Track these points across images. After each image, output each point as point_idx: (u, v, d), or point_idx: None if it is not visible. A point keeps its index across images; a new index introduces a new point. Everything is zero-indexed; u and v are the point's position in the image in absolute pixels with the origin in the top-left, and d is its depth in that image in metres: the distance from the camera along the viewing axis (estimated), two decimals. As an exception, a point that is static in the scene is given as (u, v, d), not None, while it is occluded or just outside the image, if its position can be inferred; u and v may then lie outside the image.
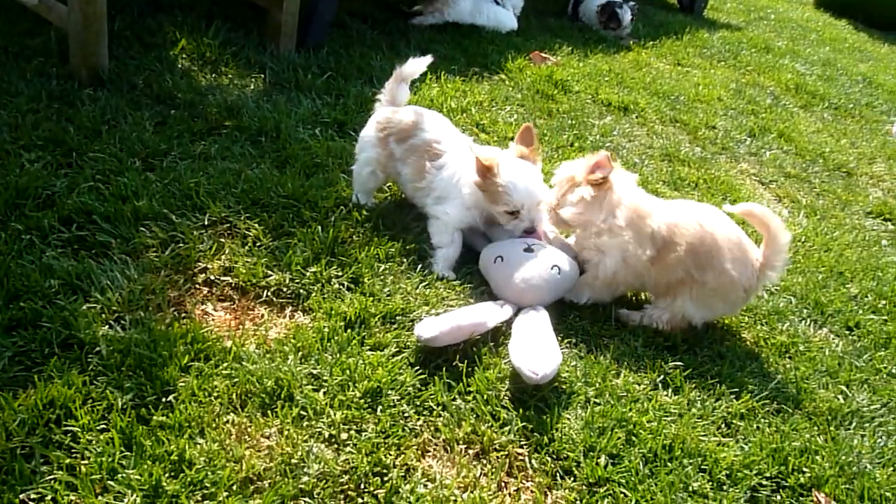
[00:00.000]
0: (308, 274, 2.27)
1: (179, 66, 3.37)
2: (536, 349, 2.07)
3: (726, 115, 4.46)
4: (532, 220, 2.37)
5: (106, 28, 3.07)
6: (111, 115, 2.87)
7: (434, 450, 1.85)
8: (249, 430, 1.76)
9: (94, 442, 1.64)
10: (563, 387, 2.09)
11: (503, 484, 1.81)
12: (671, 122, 4.15)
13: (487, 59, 4.29)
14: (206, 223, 2.39)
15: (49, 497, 1.52)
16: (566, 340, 2.28)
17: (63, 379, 1.75)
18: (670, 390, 2.18)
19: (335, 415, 1.83)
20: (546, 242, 2.48)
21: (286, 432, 1.77)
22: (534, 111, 3.79)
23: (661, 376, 2.21)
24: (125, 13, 3.72)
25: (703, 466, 1.94)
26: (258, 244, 2.36)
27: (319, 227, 2.44)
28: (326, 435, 1.79)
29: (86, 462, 1.59)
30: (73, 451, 1.62)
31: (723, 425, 2.11)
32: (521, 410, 1.98)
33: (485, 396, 1.99)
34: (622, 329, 2.39)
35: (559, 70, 4.35)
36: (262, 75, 3.46)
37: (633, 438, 1.98)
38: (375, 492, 1.69)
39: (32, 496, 1.52)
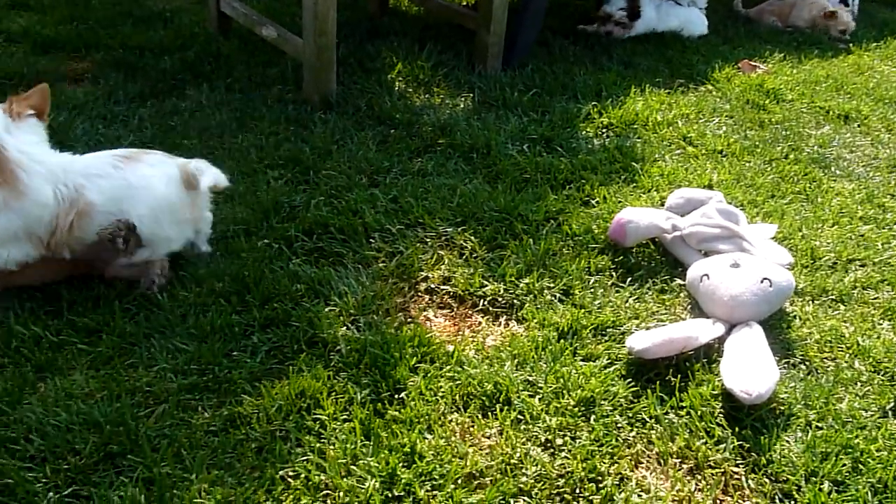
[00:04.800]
0: (521, 285, 2.37)
1: (396, 88, 3.64)
2: (749, 368, 2.03)
3: (966, 121, 4.05)
4: None
5: (335, 57, 3.38)
6: (339, 136, 3.16)
7: (647, 462, 1.87)
8: (472, 429, 1.89)
9: (338, 430, 1.84)
10: (782, 408, 2.03)
11: (718, 501, 1.80)
12: (899, 130, 3.84)
13: (693, 69, 4.21)
14: (425, 236, 2.58)
15: (303, 475, 1.73)
16: (784, 360, 2.21)
17: (311, 373, 1.98)
18: (903, 419, 2.05)
19: (550, 420, 1.92)
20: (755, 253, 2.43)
21: (505, 434, 1.88)
22: (744, 122, 3.67)
23: (892, 403, 2.08)
24: (348, 41, 4.06)
25: (943, 502, 1.81)
26: (474, 255, 2.50)
27: (531, 240, 2.55)
28: (542, 439, 1.88)
29: (332, 447, 1.79)
30: (321, 436, 1.83)
31: (966, 460, 1.95)
32: (736, 429, 1.95)
33: (698, 412, 1.98)
34: (845, 351, 2.27)
35: (770, 78, 4.17)
36: (472, 94, 3.64)
37: (861, 467, 1.89)
38: (590, 497, 1.75)
39: (290, 473, 1.74)
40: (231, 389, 1.94)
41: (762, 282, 2.26)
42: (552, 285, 2.39)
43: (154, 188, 2.18)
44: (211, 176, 2.29)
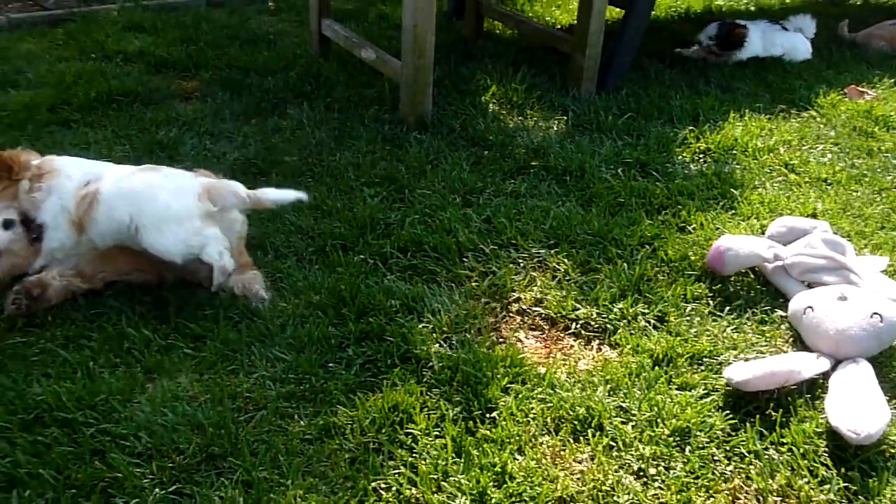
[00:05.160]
0: (615, 310, 2.34)
1: (490, 110, 3.67)
2: (858, 406, 1.94)
3: None
4: None
5: (431, 79, 3.45)
6: (434, 156, 3.21)
7: (745, 498, 1.81)
8: (563, 453, 1.87)
9: (429, 446, 1.86)
10: (892, 451, 1.93)
11: (822, 544, 1.73)
12: None
13: (795, 94, 4.08)
14: (518, 257, 2.58)
15: (394, 488, 1.75)
16: (895, 401, 2.10)
17: (404, 387, 2.01)
18: None
19: (644, 449, 1.88)
20: (863, 287, 2.33)
21: (597, 460, 1.85)
22: (851, 150, 3.53)
23: None
24: (443, 63, 4.13)
25: None
26: (567, 278, 2.49)
27: (625, 265, 2.52)
28: (635, 468, 1.84)
29: (424, 462, 1.81)
30: (413, 451, 1.85)
31: None
32: (842, 470, 1.86)
33: (801, 450, 1.90)
34: (964, 394, 2.14)
35: (880, 105, 4.00)
36: (565, 117, 3.64)
37: (980, 518, 1.77)
38: (685, 531, 1.71)
39: (382, 486, 1.76)
40: (326, 400, 1.98)
41: (872, 316, 2.16)
42: (647, 311, 2.35)
43: (156, 197, 2.23)
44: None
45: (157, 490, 1.71)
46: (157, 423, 1.88)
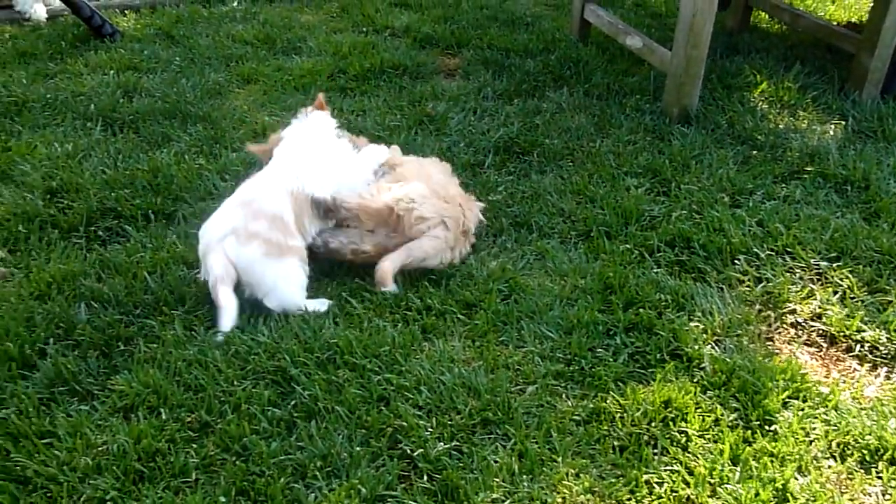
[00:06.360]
0: (909, 337, 2.15)
1: (759, 108, 3.48)
2: None
3: None
4: None
5: (702, 72, 3.32)
6: (698, 151, 3.11)
7: None
8: (850, 481, 1.76)
9: (704, 448, 1.81)
10: None
11: None
12: None
13: None
14: (794, 266, 2.44)
15: (667, 485, 1.73)
16: None
17: (677, 384, 1.98)
18: None
19: (945, 494, 1.72)
20: None
21: (891, 497, 1.72)
22: None
23: None
24: (707, 57, 3.96)
25: None
26: (851, 296, 2.31)
27: (921, 290, 2.30)
28: (935, 512, 1.69)
29: (697, 464, 1.77)
30: (687, 450, 1.81)
31: None
32: None
33: None
34: None
35: None
36: (843, 122, 3.37)
37: None
38: None
39: (654, 479, 1.75)
40: (595, 384, 2.00)
41: None
42: (948, 344, 2.13)
43: None
44: None
45: (439, 444, 1.81)
46: (436, 380, 1.98)
